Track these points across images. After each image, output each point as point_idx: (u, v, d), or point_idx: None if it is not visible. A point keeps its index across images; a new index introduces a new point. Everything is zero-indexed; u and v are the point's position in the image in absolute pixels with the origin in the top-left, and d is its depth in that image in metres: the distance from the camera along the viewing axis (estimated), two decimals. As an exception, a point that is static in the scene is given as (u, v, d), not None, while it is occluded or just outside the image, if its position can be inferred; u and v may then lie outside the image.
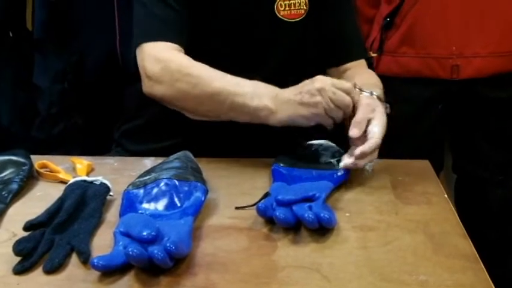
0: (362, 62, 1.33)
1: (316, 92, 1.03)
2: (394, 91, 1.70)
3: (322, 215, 0.86)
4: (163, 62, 1.11)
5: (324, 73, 1.31)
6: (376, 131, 1.05)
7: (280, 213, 0.87)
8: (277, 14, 1.20)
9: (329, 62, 1.31)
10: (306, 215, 0.86)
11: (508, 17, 1.61)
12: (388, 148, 1.70)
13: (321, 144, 1.14)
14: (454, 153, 1.81)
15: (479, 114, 1.68)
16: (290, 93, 1.05)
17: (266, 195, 0.94)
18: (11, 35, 1.71)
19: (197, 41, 1.18)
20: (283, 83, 1.10)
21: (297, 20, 1.22)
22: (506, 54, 1.62)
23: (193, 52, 1.15)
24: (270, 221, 0.90)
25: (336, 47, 1.31)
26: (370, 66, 1.72)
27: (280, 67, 1.24)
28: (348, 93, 1.04)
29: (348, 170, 1.05)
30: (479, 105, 1.66)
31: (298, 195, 0.91)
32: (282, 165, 1.07)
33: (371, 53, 1.72)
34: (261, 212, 0.90)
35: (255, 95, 1.06)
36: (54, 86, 1.73)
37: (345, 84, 1.06)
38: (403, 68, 1.67)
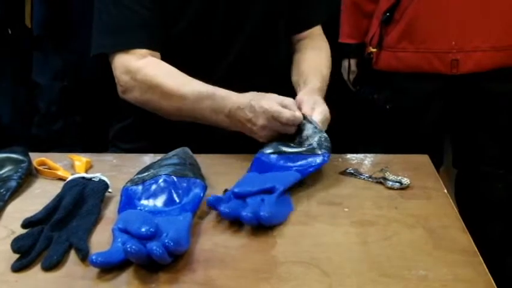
0: (316, 30, 1.35)
1: (260, 129, 1.07)
2: (394, 86, 1.71)
3: (262, 213, 0.85)
4: (131, 72, 1.16)
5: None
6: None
7: (225, 207, 0.88)
8: None
9: (290, 31, 1.32)
10: (244, 214, 0.85)
11: (508, 11, 1.60)
12: (388, 143, 1.71)
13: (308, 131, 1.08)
14: (455, 147, 1.81)
15: (480, 108, 1.68)
16: (242, 115, 1.08)
17: (225, 191, 0.95)
18: (10, 32, 1.71)
19: (167, 27, 1.19)
20: (253, 64, 1.15)
21: None
22: (507, 48, 1.62)
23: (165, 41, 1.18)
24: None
25: (294, 15, 1.31)
26: (370, 61, 1.73)
27: (252, 41, 1.23)
28: (289, 124, 1.05)
29: (326, 156, 1.03)
30: (480, 99, 1.66)
31: (255, 187, 0.92)
32: (264, 152, 1.07)
33: (370, 48, 1.72)
34: (211, 205, 0.91)
35: (212, 112, 1.11)
36: (54, 84, 1.73)
37: (285, 114, 1.04)
38: (402, 63, 1.67)
